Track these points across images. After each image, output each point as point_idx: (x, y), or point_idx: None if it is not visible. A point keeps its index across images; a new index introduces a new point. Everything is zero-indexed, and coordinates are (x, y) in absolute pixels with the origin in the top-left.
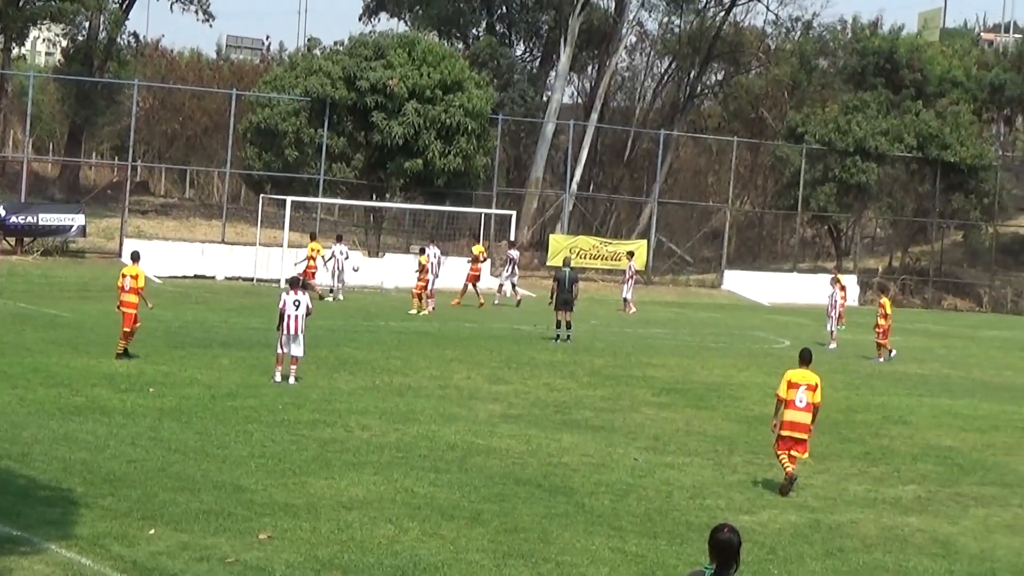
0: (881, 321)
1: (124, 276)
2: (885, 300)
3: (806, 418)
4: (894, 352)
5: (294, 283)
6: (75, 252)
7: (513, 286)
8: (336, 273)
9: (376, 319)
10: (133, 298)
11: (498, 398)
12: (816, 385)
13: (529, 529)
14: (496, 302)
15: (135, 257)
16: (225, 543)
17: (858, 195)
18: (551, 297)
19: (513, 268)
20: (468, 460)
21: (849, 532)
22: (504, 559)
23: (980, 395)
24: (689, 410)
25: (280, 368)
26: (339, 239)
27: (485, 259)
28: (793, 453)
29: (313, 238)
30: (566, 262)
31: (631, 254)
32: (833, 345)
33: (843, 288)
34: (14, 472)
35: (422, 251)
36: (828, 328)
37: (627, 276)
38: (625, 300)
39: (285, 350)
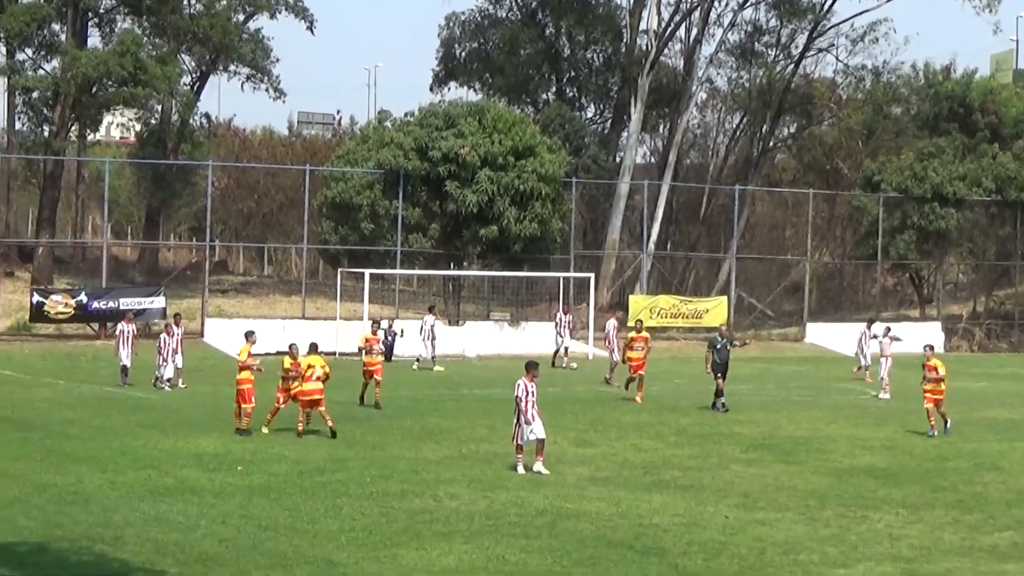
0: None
1: (312, 366)
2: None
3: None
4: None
5: (530, 366)
6: (157, 334)
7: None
8: (429, 343)
9: (460, 388)
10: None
11: (585, 461)
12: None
13: None
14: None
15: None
16: None
17: (938, 241)
18: (707, 364)
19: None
20: (558, 525)
21: None
22: None
23: None
24: (778, 465)
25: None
26: (431, 310)
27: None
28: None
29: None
30: (721, 331)
31: (888, 329)
32: (885, 395)
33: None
34: (107, 556)
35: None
36: (881, 375)
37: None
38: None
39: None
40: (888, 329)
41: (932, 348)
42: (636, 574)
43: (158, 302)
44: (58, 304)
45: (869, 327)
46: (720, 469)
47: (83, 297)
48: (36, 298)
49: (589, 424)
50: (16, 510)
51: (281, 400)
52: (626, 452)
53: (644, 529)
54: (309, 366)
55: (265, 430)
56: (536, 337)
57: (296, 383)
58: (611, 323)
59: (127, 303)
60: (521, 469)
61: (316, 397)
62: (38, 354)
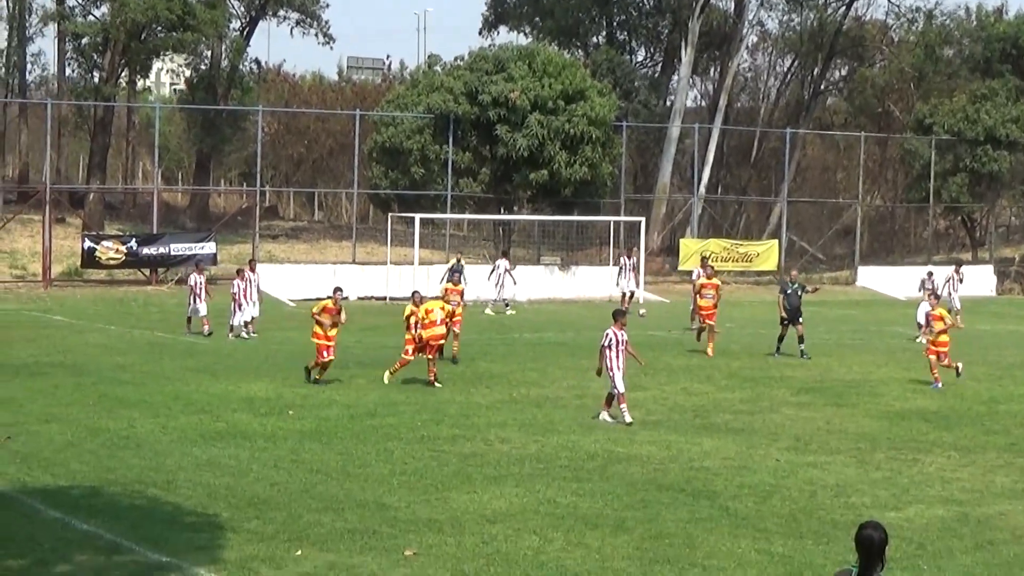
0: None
1: (431, 311)
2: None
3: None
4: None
5: (618, 314)
6: (208, 279)
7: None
8: (499, 287)
9: (510, 332)
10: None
11: (636, 405)
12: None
13: (674, 535)
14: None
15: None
16: (371, 561)
17: (991, 184)
18: (781, 310)
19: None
20: (609, 468)
21: (998, 524)
22: (650, 566)
23: None
24: (829, 408)
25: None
26: (504, 254)
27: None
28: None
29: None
30: (791, 275)
31: (930, 273)
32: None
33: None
34: (160, 499)
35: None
36: (919, 320)
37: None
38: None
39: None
40: (931, 274)
41: (938, 298)
42: (687, 517)
43: (209, 248)
44: (109, 250)
45: (958, 271)
46: (771, 412)
47: (134, 243)
48: (87, 244)
49: (640, 368)
50: (69, 454)
51: (411, 352)
52: (677, 396)
53: (695, 472)
54: (428, 311)
55: (386, 380)
56: (587, 281)
57: (417, 330)
58: (697, 270)
59: (178, 249)
60: (628, 417)
61: (440, 342)
62: (90, 299)
